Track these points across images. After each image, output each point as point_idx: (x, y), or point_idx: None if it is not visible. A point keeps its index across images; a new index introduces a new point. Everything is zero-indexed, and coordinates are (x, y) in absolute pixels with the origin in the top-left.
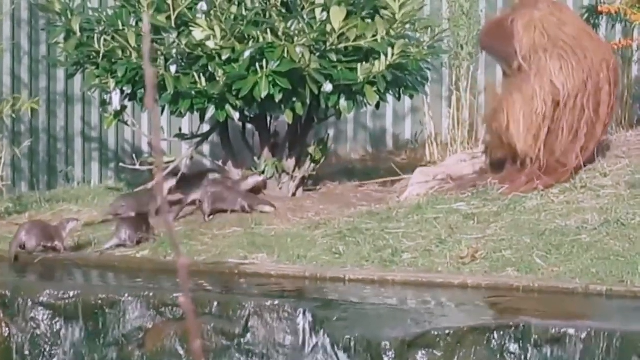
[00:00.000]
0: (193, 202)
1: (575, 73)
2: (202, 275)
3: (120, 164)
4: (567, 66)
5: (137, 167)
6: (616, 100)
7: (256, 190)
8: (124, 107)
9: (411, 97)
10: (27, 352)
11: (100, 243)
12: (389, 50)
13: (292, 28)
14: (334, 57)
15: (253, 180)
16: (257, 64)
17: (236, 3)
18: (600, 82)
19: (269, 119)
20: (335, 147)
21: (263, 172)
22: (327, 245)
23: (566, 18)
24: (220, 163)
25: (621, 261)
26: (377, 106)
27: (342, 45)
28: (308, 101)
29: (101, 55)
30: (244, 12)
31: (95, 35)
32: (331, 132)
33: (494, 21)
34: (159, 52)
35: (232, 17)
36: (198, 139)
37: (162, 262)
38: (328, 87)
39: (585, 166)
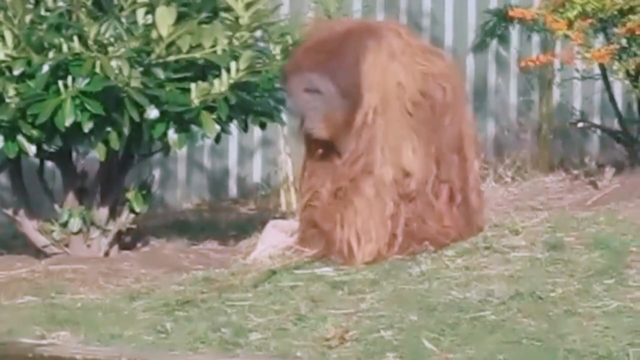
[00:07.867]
0: None
1: (428, 132)
2: None
3: None
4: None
5: None
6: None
7: None
8: None
9: (262, 127)
10: None
11: None
12: (233, 64)
13: (107, 34)
14: (160, 73)
15: None
16: (59, 82)
17: (32, 1)
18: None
19: (74, 154)
20: (162, 193)
21: (66, 225)
22: (150, 321)
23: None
24: (10, 212)
25: (536, 346)
26: (217, 139)
27: (171, 58)
28: (126, 131)
29: None
30: (42, 13)
31: None
32: (157, 173)
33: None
34: None
35: (28, 19)
36: None
37: None
38: (153, 112)
39: None
